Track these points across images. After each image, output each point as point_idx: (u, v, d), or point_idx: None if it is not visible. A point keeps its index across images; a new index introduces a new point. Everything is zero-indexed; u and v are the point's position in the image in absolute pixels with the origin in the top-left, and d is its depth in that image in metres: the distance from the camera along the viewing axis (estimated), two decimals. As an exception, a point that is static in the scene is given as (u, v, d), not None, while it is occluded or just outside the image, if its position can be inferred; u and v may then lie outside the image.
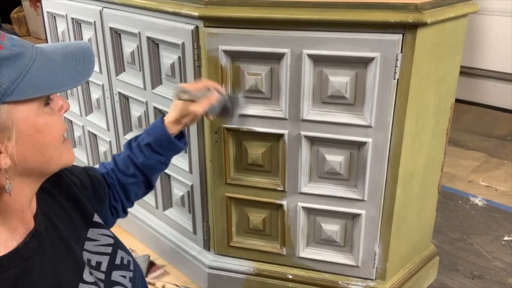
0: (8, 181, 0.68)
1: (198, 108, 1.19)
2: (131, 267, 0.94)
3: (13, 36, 0.71)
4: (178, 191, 1.82)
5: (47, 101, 0.72)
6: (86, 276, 0.82)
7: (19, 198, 0.73)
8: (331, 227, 1.57)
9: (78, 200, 0.92)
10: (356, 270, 1.61)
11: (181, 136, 1.23)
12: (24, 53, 0.68)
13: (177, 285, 1.85)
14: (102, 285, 0.85)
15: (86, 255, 0.86)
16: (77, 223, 0.89)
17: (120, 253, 0.93)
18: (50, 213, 0.83)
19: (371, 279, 1.61)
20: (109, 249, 0.91)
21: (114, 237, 0.95)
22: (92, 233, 0.91)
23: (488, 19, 3.59)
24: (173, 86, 1.61)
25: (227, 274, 1.75)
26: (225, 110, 1.31)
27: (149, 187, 1.22)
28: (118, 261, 0.91)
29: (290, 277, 1.68)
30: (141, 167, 1.16)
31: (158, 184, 1.88)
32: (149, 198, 1.97)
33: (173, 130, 1.19)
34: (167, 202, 1.91)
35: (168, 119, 1.19)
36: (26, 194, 0.74)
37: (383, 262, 1.58)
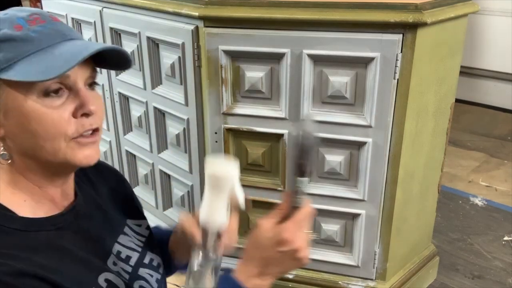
0: (2, 149, 0.72)
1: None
2: (161, 271, 0.94)
3: (56, 22, 0.71)
4: (178, 191, 1.82)
5: (49, 92, 0.69)
6: (110, 264, 0.83)
7: (31, 175, 0.75)
8: (331, 227, 1.57)
9: (123, 194, 0.95)
10: (356, 270, 1.61)
11: None
12: (38, 39, 0.69)
13: (177, 285, 1.85)
14: (127, 276, 0.85)
15: (117, 247, 0.88)
16: (114, 216, 0.91)
17: (150, 255, 0.94)
18: (89, 200, 0.86)
19: (371, 279, 1.61)
20: (139, 248, 0.92)
21: (148, 237, 0.96)
22: (128, 229, 0.93)
23: (488, 19, 3.59)
24: (173, 86, 1.62)
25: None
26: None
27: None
28: (146, 261, 0.92)
29: (290, 277, 1.68)
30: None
31: (158, 184, 1.88)
32: (149, 198, 1.97)
33: None
34: (167, 202, 1.91)
35: None
36: (38, 173, 0.75)
37: (383, 262, 1.58)
